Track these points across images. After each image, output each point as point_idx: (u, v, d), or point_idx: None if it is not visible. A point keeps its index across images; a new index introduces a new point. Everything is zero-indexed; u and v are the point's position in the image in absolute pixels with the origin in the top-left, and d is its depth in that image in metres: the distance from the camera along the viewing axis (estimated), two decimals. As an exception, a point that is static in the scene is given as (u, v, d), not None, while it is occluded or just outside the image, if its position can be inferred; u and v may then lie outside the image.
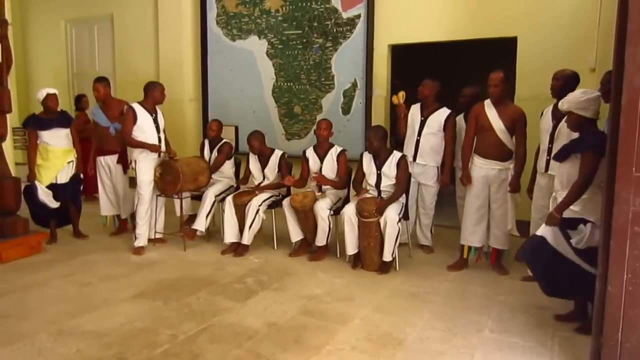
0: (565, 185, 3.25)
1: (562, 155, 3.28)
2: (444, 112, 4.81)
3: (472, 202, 4.41)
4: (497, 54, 5.51)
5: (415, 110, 4.94)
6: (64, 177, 5.13)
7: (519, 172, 4.21)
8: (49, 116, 5.05)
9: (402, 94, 4.98)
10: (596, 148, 3.02)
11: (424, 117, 4.86)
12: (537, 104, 4.38)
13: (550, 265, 3.16)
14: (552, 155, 3.60)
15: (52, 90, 5.09)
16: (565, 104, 3.22)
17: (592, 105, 3.16)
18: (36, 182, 4.98)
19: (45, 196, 5.00)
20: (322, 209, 4.62)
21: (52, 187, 5.05)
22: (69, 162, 5.14)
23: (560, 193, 3.28)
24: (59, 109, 5.15)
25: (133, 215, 5.55)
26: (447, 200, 5.60)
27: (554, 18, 5.18)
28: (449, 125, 4.80)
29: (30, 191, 4.99)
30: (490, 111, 4.21)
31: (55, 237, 5.26)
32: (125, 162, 5.40)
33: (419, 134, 4.86)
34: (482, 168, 4.30)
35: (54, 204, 5.06)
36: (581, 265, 3.07)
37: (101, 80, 5.32)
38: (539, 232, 3.25)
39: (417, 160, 4.81)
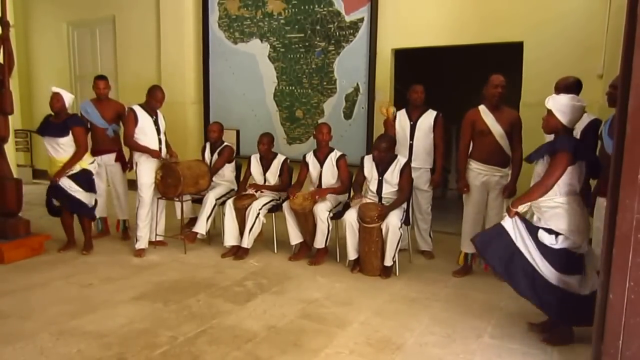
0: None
1: (532, 157, 3.27)
2: (431, 114, 4.93)
3: (470, 209, 4.44)
4: (503, 59, 5.51)
5: (402, 117, 5.00)
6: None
7: (516, 177, 4.20)
8: (55, 120, 4.79)
9: (392, 109, 5.02)
10: (570, 150, 3.05)
11: (413, 121, 4.94)
12: (543, 110, 4.37)
13: (506, 257, 3.18)
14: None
15: (55, 90, 4.85)
16: (550, 101, 3.17)
17: (573, 113, 3.12)
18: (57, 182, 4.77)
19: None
20: (322, 210, 4.63)
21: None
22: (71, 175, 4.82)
23: (542, 206, 3.21)
24: (70, 112, 4.92)
25: (125, 222, 5.58)
26: (450, 207, 5.59)
27: (561, 23, 5.16)
28: (438, 126, 4.91)
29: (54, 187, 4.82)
30: (488, 116, 4.21)
31: (72, 243, 5.08)
32: (123, 161, 5.42)
33: (412, 138, 4.93)
34: (481, 174, 4.30)
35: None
36: (535, 267, 3.10)
37: (103, 78, 5.37)
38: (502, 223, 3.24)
39: (412, 165, 4.82)
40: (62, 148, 4.76)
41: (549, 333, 3.30)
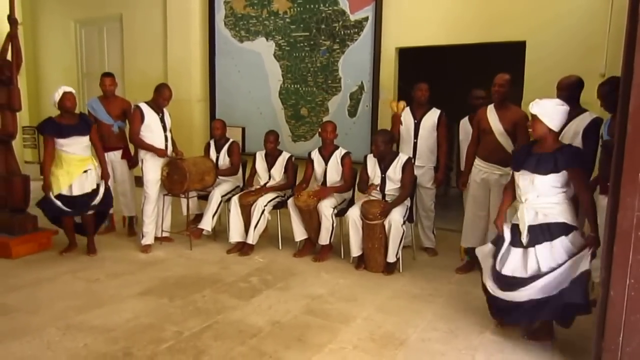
0: (543, 195, 3.13)
1: (541, 168, 3.10)
2: (435, 112, 4.97)
3: (470, 205, 4.48)
4: (505, 58, 5.51)
5: (407, 115, 5.03)
6: (79, 188, 4.67)
7: None
8: (68, 121, 4.62)
9: (403, 104, 5.05)
10: (584, 164, 3.10)
11: (418, 119, 4.97)
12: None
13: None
14: (521, 164, 3.26)
15: (68, 89, 4.69)
16: (534, 107, 3.12)
17: (559, 117, 3.10)
18: (50, 195, 4.59)
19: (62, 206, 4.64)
20: (326, 207, 4.67)
21: (69, 199, 4.64)
22: (85, 171, 4.70)
23: (544, 205, 3.13)
24: (77, 112, 4.77)
25: (131, 218, 5.63)
26: (452, 204, 5.61)
27: (564, 22, 5.15)
28: (441, 125, 4.95)
29: (45, 202, 4.64)
30: (492, 114, 4.23)
31: (74, 245, 4.94)
32: (129, 158, 5.46)
33: (415, 137, 4.96)
34: (482, 171, 4.33)
35: (73, 213, 4.76)
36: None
37: (110, 75, 5.43)
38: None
39: (416, 163, 4.87)
40: (86, 146, 4.76)
41: (531, 330, 3.33)
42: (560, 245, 3.05)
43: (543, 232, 3.09)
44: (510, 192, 3.42)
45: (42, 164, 4.79)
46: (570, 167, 3.07)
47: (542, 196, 3.12)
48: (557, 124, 3.12)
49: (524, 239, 3.13)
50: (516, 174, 3.26)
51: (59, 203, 4.61)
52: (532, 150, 3.21)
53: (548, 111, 3.09)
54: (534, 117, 3.12)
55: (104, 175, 4.89)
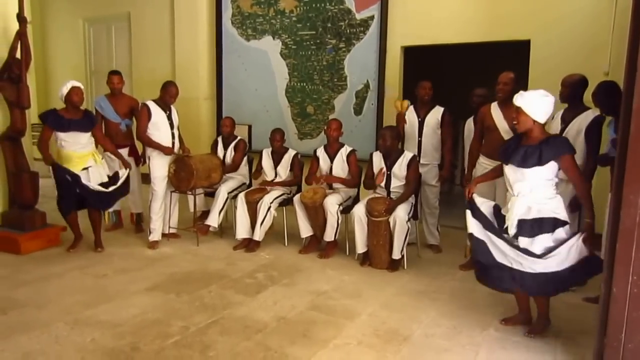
0: (535, 188, 3.12)
1: (528, 162, 3.07)
2: (439, 110, 4.98)
3: None
4: (510, 57, 5.52)
5: (410, 113, 5.06)
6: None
7: None
8: (71, 115, 4.62)
9: (407, 102, 5.08)
10: (572, 150, 3.09)
11: (422, 117, 4.99)
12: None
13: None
14: (508, 157, 3.26)
15: (77, 83, 4.69)
16: (518, 99, 3.08)
17: (544, 108, 3.06)
18: (59, 164, 4.58)
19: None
20: (332, 204, 4.69)
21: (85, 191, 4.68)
22: (85, 169, 4.67)
23: (539, 200, 3.11)
24: (82, 108, 4.75)
25: (139, 215, 5.67)
26: (457, 202, 5.62)
27: (568, 21, 5.16)
28: (445, 122, 4.97)
29: (59, 172, 4.59)
30: (496, 112, 4.24)
31: (80, 238, 4.97)
32: (137, 155, 5.51)
33: (420, 135, 4.98)
34: (486, 169, 4.32)
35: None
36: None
37: (117, 73, 5.45)
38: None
39: (420, 161, 4.89)
40: (86, 142, 4.74)
41: (530, 326, 3.36)
42: (550, 238, 3.07)
43: (538, 227, 3.07)
44: (496, 172, 3.54)
45: (38, 146, 4.71)
46: (559, 156, 3.04)
47: (535, 189, 3.09)
48: (542, 115, 3.07)
49: (512, 230, 3.13)
50: (504, 166, 3.27)
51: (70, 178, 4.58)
52: (520, 143, 3.19)
53: (532, 103, 3.05)
54: (518, 109, 3.08)
55: (124, 164, 5.00)
